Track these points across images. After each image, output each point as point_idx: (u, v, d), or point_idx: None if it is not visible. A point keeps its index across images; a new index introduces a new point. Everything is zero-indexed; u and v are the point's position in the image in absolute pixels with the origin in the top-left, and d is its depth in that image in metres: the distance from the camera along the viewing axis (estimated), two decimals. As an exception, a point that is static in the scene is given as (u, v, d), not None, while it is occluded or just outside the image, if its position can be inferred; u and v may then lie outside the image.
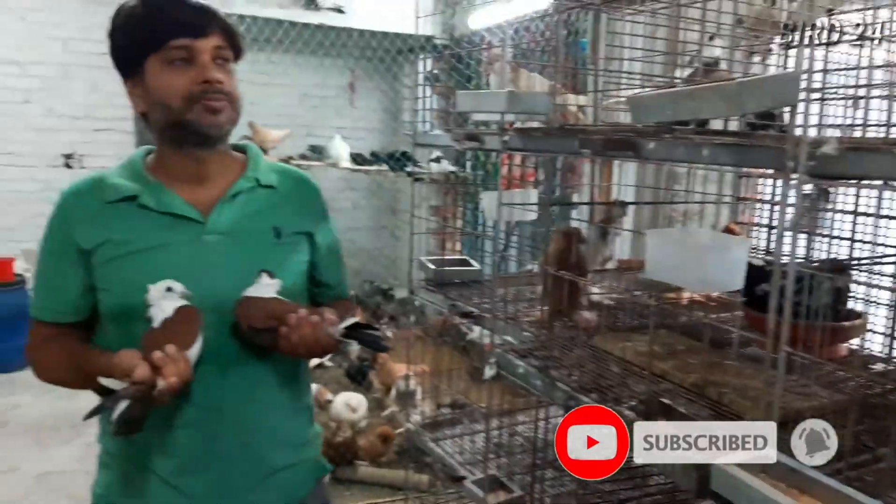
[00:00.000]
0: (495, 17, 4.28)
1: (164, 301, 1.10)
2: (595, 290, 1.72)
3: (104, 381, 1.04)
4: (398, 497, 3.09)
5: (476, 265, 2.40)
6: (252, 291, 1.18)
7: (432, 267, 2.24)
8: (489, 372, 1.60)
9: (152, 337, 1.07)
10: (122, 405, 1.00)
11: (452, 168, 5.10)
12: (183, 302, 1.11)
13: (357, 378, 4.12)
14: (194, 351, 1.09)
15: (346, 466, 3.25)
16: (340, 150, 4.62)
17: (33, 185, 5.26)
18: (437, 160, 5.07)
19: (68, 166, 5.34)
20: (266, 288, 1.19)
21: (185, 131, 1.17)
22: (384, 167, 4.82)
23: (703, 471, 1.07)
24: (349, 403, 3.54)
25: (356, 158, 4.85)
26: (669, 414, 1.25)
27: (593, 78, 1.96)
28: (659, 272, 1.32)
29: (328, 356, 4.24)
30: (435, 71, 5.53)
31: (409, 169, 4.95)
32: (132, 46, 1.17)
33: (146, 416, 1.04)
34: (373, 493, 3.19)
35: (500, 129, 1.59)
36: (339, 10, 4.68)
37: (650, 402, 1.28)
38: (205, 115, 1.14)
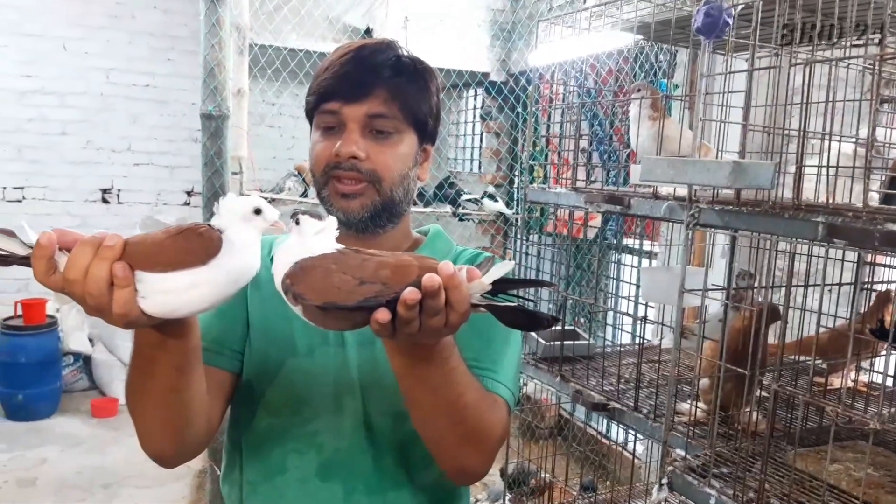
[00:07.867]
0: (559, 54, 4.03)
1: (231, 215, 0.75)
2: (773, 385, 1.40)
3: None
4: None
5: (586, 336, 2.09)
6: (297, 250, 0.75)
7: (543, 342, 1.93)
8: (658, 495, 1.28)
9: (139, 239, 0.73)
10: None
11: (507, 210, 4.83)
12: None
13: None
14: (164, 282, 0.71)
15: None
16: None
17: (70, 221, 5.04)
18: (493, 198, 4.79)
19: (105, 201, 5.12)
20: (320, 238, 0.76)
21: (328, 208, 1.03)
22: (445, 208, 4.56)
23: None
24: None
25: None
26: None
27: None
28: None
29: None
30: (488, 108, 5.33)
31: (461, 210, 4.68)
32: (308, 99, 1.02)
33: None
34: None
35: (690, 199, 1.28)
36: (394, 45, 4.47)
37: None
38: (336, 198, 1.00)
